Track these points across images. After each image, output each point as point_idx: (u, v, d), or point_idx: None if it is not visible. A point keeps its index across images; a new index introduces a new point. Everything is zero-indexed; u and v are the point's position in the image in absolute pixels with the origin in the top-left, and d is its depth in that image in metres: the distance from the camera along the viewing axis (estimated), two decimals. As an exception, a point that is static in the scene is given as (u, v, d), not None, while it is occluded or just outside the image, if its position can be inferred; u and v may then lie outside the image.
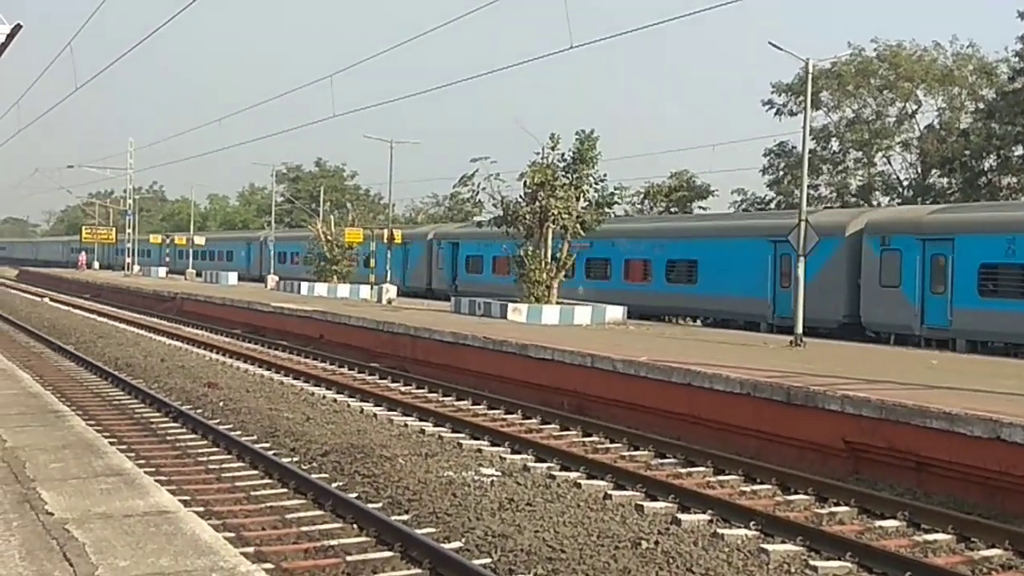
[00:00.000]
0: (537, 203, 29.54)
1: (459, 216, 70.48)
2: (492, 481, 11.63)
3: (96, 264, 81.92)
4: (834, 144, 54.92)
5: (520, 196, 30.41)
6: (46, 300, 47.68)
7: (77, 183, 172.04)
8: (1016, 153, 46.13)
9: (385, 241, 42.12)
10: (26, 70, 31.94)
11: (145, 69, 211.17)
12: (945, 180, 50.88)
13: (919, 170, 52.52)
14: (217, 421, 15.32)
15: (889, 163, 54.31)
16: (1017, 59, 45.88)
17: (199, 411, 16.23)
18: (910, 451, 12.30)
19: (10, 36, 13.30)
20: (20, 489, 6.54)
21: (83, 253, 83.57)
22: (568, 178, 29.73)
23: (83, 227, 79.99)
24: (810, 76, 23.21)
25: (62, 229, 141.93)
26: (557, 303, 29.80)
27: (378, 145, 42.19)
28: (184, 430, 14.71)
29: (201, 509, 9.90)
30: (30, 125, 40.05)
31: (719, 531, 9.84)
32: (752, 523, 10.04)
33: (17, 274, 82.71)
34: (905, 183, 53.22)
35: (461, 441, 14.34)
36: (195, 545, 5.31)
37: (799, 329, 21.97)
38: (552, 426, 16.12)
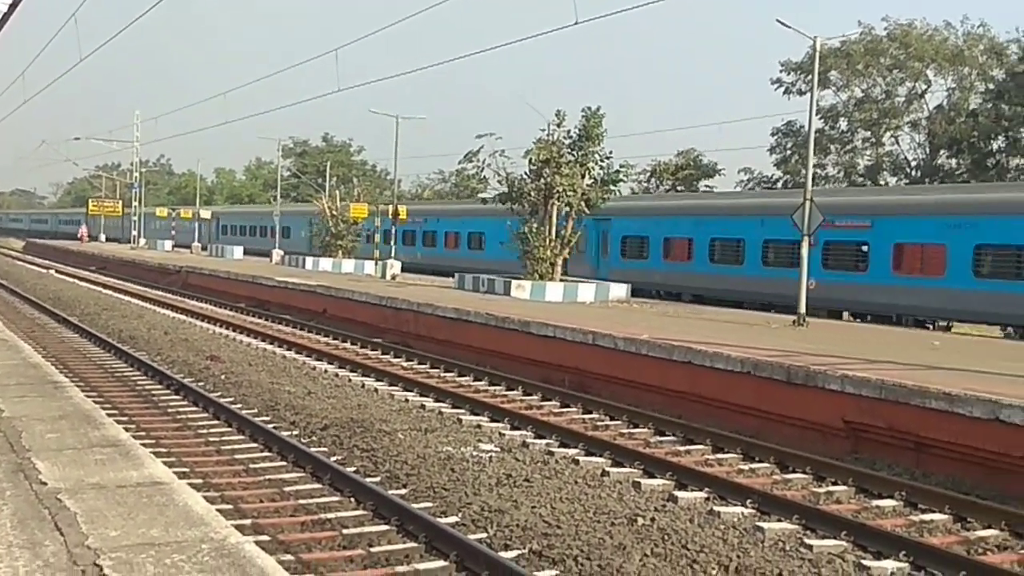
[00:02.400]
0: (542, 180, 29.48)
1: (464, 192, 70.35)
2: (491, 457, 11.66)
3: (102, 237, 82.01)
4: (842, 123, 54.73)
5: (525, 173, 30.35)
6: (52, 272, 47.78)
7: (84, 155, 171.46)
8: (1025, 134, 45.94)
9: (390, 217, 42.07)
10: (30, 41, 31.73)
11: (151, 41, 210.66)
12: (953, 161, 50.69)
13: (927, 151, 52.30)
14: (218, 394, 15.36)
15: (897, 143, 54.14)
16: (1028, 40, 45.56)
17: (200, 384, 16.27)
18: (909, 431, 12.30)
19: (12, 6, 13.25)
20: (15, 459, 6.55)
21: (83, 226, 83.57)
22: (574, 155, 29.63)
23: (89, 199, 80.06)
24: (818, 54, 23.03)
25: (69, 201, 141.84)
26: (561, 280, 29.78)
27: (385, 121, 41.93)
28: (185, 403, 14.75)
29: (199, 481, 9.96)
30: (35, 96, 39.96)
31: (715, 509, 9.86)
32: (749, 501, 10.05)
33: (24, 245, 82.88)
34: (913, 163, 53.02)
35: (461, 417, 14.36)
36: (187, 516, 5.32)
37: (802, 308, 21.92)
38: (552, 403, 16.14)
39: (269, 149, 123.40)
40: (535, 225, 29.98)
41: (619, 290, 30.04)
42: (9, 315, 25.82)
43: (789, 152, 55.44)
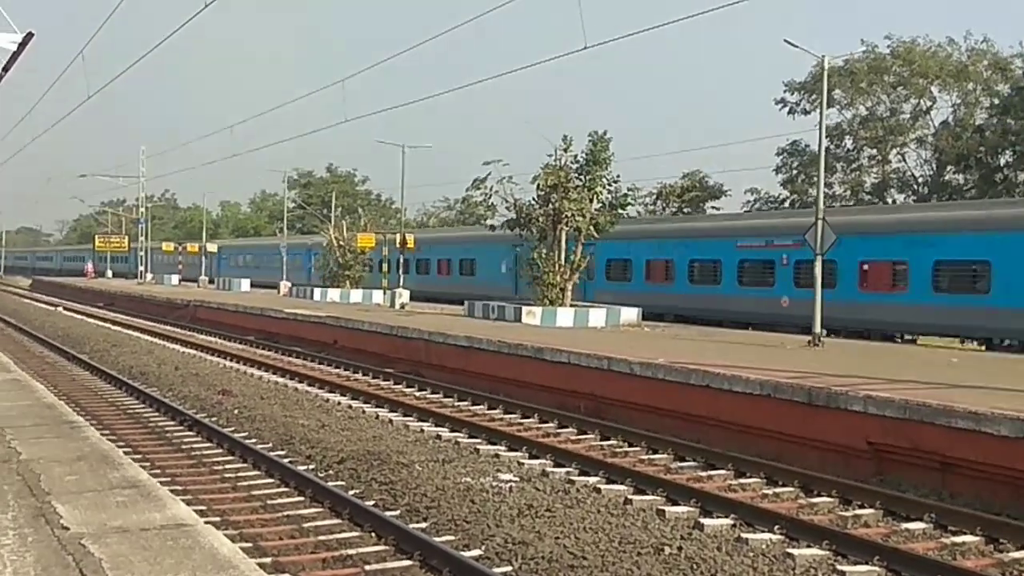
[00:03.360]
0: (550, 205, 29.45)
1: (471, 220, 70.36)
2: (510, 487, 11.50)
3: (109, 272, 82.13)
4: (848, 142, 54.71)
5: (533, 198, 30.32)
6: (60, 309, 47.77)
7: (90, 192, 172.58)
8: (1032, 148, 45.88)
9: (397, 246, 42.04)
10: (38, 79, 31.89)
11: (156, 77, 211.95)
12: (961, 177, 50.60)
13: (934, 167, 52.22)
14: (232, 429, 15.22)
15: (904, 160, 54.10)
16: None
17: (214, 419, 16.14)
18: (935, 451, 12.11)
19: (22, 45, 13.24)
20: (35, 503, 6.42)
21: (89, 262, 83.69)
22: (581, 180, 29.62)
23: (95, 235, 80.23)
24: (826, 73, 22.99)
25: (75, 238, 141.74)
26: (571, 306, 29.66)
27: (389, 150, 42.06)
28: (199, 439, 14.61)
29: (218, 519, 9.82)
30: (43, 134, 40.07)
31: (743, 535, 9.69)
32: (776, 527, 9.88)
33: (31, 283, 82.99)
34: (920, 180, 52.93)
35: (478, 447, 14.20)
36: (213, 559, 5.18)
37: (817, 328, 21.75)
38: (569, 430, 15.98)
39: (274, 181, 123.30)
40: (544, 251, 29.90)
41: (630, 314, 29.89)
42: (19, 354, 25.73)
43: (795, 172, 55.41)
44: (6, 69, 14.30)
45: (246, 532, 9.58)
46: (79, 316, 43.40)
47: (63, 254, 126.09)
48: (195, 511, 8.54)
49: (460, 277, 47.16)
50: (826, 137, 46.83)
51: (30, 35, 13.00)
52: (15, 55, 13.57)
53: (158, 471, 11.91)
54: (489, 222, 38.26)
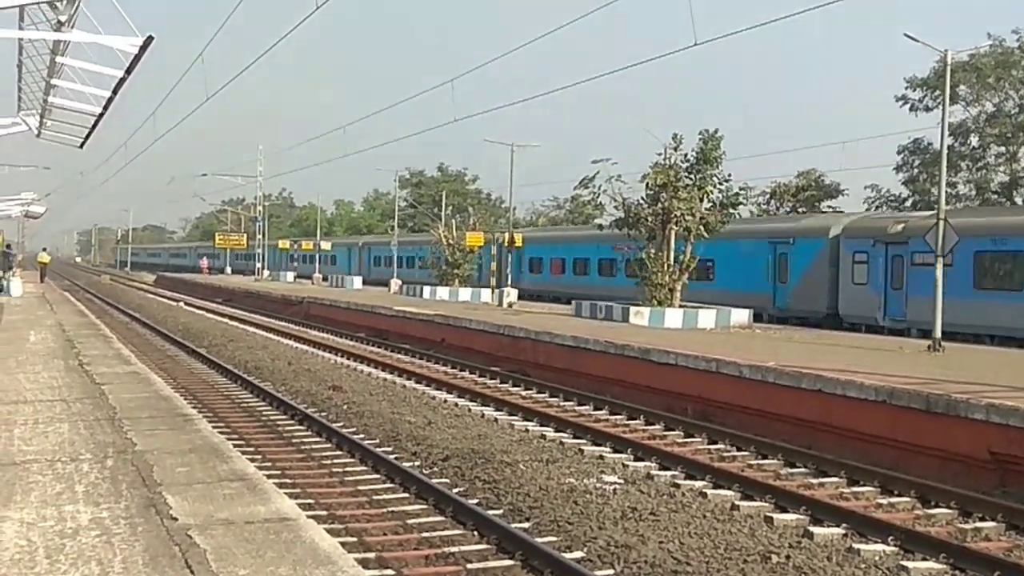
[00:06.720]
0: (659, 204, 29.09)
1: (579, 219, 70.18)
2: (615, 489, 11.38)
3: (228, 269, 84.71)
4: (973, 139, 52.49)
5: (642, 197, 30.00)
6: (181, 304, 49.43)
7: (210, 190, 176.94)
8: None
9: (506, 244, 42.22)
10: (159, 82, 33.11)
11: (273, 78, 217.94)
12: (1094, 176, 48.10)
13: (1067, 165, 49.75)
14: (341, 424, 15.46)
15: (1034, 158, 51.64)
16: None
17: (324, 414, 16.42)
18: (1063, 464, 11.52)
19: (143, 48, 13.70)
20: (147, 493, 6.62)
21: (204, 258, 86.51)
22: (691, 179, 29.19)
23: (215, 233, 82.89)
24: (948, 68, 22.12)
25: (197, 235, 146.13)
26: (680, 306, 29.27)
27: (499, 149, 42.17)
28: (309, 433, 14.89)
29: (324, 513, 9.98)
30: (166, 135, 41.48)
31: (855, 546, 9.37)
32: (890, 538, 9.52)
33: (155, 279, 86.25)
34: (1052, 179, 50.50)
35: (583, 447, 14.11)
36: (314, 554, 5.26)
37: (938, 333, 20.93)
38: (675, 433, 15.75)
39: (386, 180, 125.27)
40: (653, 250, 29.59)
41: (740, 315, 29.33)
42: (141, 347, 26.69)
43: (917, 170, 53.49)
44: (128, 72, 14.83)
45: (351, 527, 9.70)
46: (199, 311, 44.84)
47: (197, 251, 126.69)
48: (302, 504, 8.74)
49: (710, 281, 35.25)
50: (950, 135, 45.20)
51: (150, 39, 13.46)
52: (136, 58, 14.06)
53: (268, 463, 12.18)
54: (597, 221, 38.01)
